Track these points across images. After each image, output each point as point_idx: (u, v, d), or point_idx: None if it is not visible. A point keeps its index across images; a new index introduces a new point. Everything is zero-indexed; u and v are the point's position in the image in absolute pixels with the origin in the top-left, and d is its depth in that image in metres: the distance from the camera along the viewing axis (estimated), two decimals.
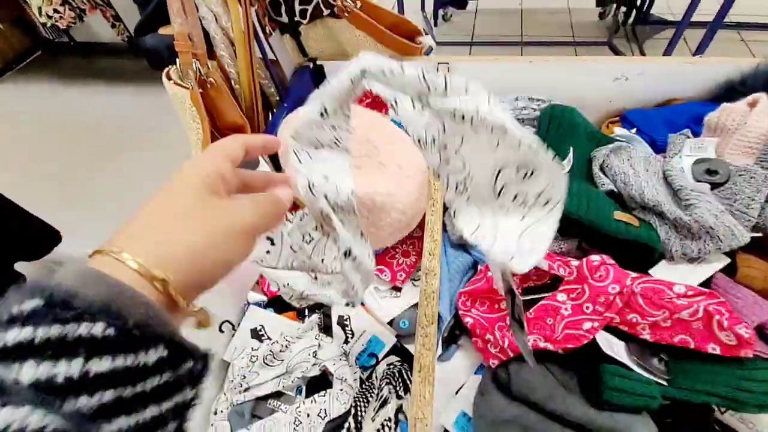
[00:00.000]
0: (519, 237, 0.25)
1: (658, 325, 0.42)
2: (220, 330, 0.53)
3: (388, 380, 0.49)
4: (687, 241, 0.46)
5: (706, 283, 0.46)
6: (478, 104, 0.22)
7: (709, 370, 0.40)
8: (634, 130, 0.62)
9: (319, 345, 0.50)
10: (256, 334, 0.53)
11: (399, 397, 0.48)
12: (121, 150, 1.80)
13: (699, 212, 0.44)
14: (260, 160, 0.60)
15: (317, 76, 0.77)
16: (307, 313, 0.55)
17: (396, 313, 0.55)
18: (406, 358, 0.52)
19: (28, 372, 0.12)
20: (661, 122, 0.61)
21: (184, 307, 0.18)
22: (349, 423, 0.43)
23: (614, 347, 0.43)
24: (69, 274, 0.15)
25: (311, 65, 0.76)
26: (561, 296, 0.46)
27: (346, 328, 0.53)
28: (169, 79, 0.56)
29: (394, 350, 0.53)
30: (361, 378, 0.50)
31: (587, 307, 0.43)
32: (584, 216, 0.47)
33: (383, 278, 0.58)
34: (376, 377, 0.49)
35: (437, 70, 0.68)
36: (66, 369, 0.12)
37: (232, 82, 0.64)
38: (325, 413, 0.44)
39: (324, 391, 0.46)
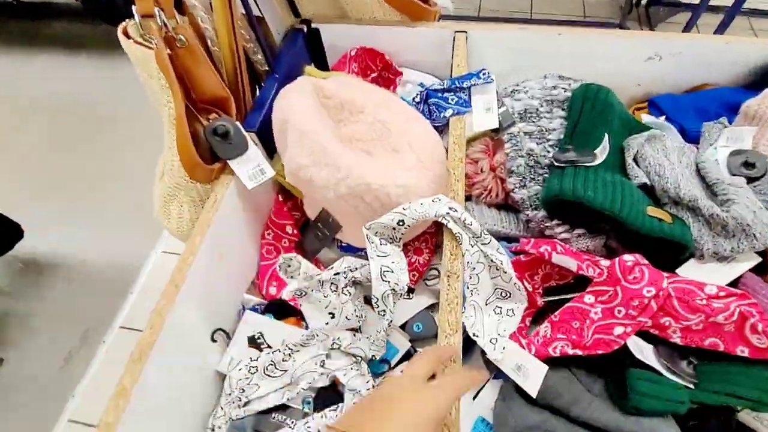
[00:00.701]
0: (495, 330, 0.48)
1: (689, 328, 0.44)
2: (213, 339, 0.52)
3: None
4: (720, 238, 0.48)
5: (734, 282, 0.48)
6: (496, 254, 0.47)
7: (735, 372, 0.43)
8: (662, 118, 0.63)
9: (328, 355, 0.50)
10: (255, 343, 0.53)
11: None
12: (80, 131, 1.66)
13: (737, 209, 0.46)
14: (250, 143, 0.57)
15: (312, 43, 0.74)
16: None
17: (409, 315, 0.56)
18: None
19: None
20: (691, 109, 0.62)
21: None
22: None
23: (644, 351, 0.45)
24: None
25: (305, 29, 0.73)
26: (589, 298, 0.48)
27: (356, 334, 0.53)
28: (128, 36, 0.49)
29: (407, 356, 0.54)
30: (373, 386, 0.51)
31: (619, 311, 0.45)
32: (618, 212, 0.48)
33: None
34: None
35: (454, 39, 0.66)
36: None
37: (209, 43, 0.58)
38: None
39: (336, 405, 0.47)
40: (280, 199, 0.64)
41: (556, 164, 0.53)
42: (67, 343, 1.18)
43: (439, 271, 0.62)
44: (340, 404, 0.47)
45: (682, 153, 0.55)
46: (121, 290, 1.34)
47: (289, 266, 0.51)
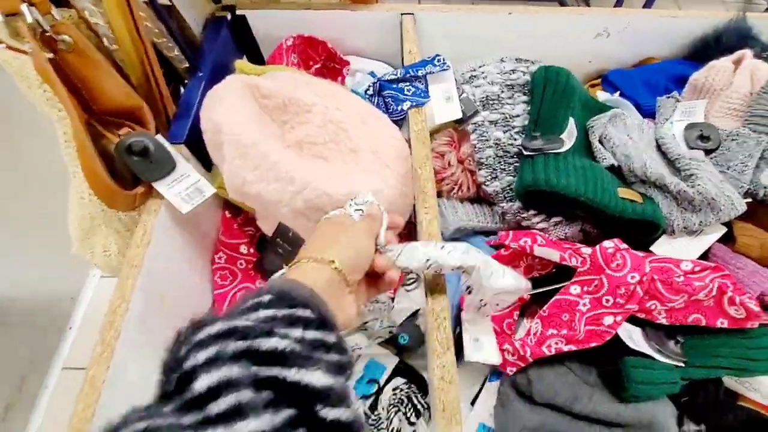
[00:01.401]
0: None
1: (673, 308, 0.43)
2: None
3: (396, 408, 0.46)
4: (688, 213, 0.48)
5: (705, 255, 0.48)
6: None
7: (717, 345, 0.44)
8: (617, 94, 0.62)
9: None
10: None
11: (411, 424, 0.45)
12: None
13: (702, 183, 0.46)
14: (178, 159, 0.47)
15: (240, 33, 0.64)
16: None
17: (396, 323, 0.51)
18: (412, 376, 0.49)
19: (283, 333, 0.21)
20: (642, 83, 0.62)
21: (352, 283, 0.31)
22: None
23: (633, 335, 0.44)
24: (283, 282, 0.26)
25: (229, 16, 0.62)
26: (575, 288, 0.46)
27: None
28: None
29: (396, 372, 0.49)
30: (364, 412, 0.45)
31: (607, 300, 0.43)
32: (592, 197, 0.46)
33: None
34: (383, 407, 0.46)
35: (401, 22, 0.60)
36: (295, 332, 0.22)
37: (104, 41, 0.47)
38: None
39: None
40: (228, 215, 0.55)
41: (524, 153, 0.50)
42: (3, 395, 1.00)
43: (418, 275, 0.57)
44: None
45: (642, 130, 0.54)
46: (59, 326, 1.15)
47: None
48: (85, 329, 1.15)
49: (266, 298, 0.23)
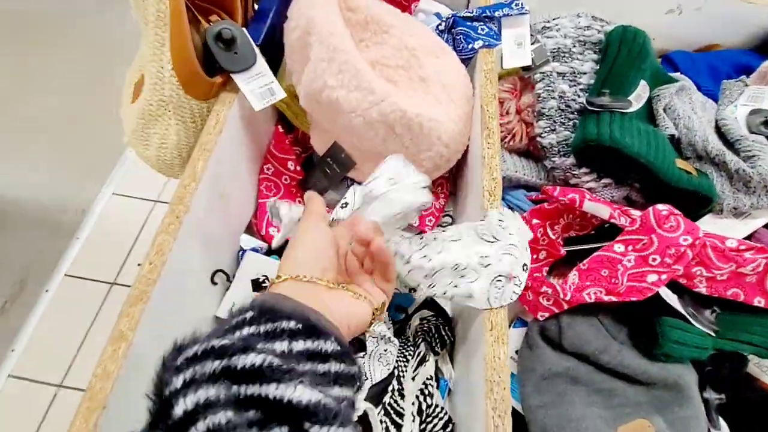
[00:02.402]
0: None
1: (714, 279, 0.41)
2: (213, 281, 0.41)
3: (423, 336, 0.43)
4: (740, 194, 0.44)
5: (748, 239, 0.45)
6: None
7: (750, 322, 0.41)
8: (677, 74, 0.57)
9: None
10: (259, 286, 0.43)
11: (435, 354, 0.43)
12: (14, 44, 1.21)
13: (763, 164, 0.42)
14: (258, 56, 0.44)
15: None
16: None
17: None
18: (438, 311, 0.47)
19: (262, 348, 0.19)
20: (705, 68, 0.57)
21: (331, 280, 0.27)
22: (393, 384, 0.37)
23: (670, 299, 0.41)
24: (270, 296, 0.24)
25: None
26: (619, 247, 0.43)
27: None
28: None
29: (424, 304, 0.47)
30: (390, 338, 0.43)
31: (653, 259, 0.40)
32: (653, 161, 0.42)
33: (411, 223, 0.50)
34: (411, 333, 0.43)
35: None
36: (280, 346, 0.20)
37: None
38: (366, 376, 0.37)
39: (363, 353, 0.38)
40: (281, 130, 0.52)
41: (589, 108, 0.46)
42: (3, 292, 0.95)
43: (452, 218, 0.54)
44: (370, 350, 0.39)
45: (704, 108, 0.50)
46: (66, 235, 1.09)
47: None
48: (92, 241, 1.11)
49: (248, 315, 0.21)
